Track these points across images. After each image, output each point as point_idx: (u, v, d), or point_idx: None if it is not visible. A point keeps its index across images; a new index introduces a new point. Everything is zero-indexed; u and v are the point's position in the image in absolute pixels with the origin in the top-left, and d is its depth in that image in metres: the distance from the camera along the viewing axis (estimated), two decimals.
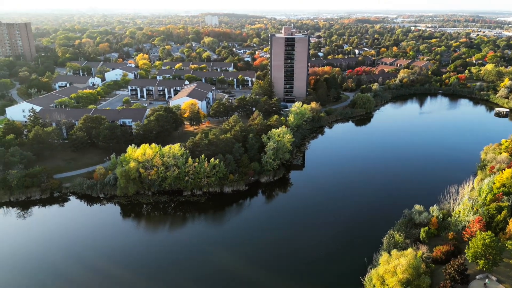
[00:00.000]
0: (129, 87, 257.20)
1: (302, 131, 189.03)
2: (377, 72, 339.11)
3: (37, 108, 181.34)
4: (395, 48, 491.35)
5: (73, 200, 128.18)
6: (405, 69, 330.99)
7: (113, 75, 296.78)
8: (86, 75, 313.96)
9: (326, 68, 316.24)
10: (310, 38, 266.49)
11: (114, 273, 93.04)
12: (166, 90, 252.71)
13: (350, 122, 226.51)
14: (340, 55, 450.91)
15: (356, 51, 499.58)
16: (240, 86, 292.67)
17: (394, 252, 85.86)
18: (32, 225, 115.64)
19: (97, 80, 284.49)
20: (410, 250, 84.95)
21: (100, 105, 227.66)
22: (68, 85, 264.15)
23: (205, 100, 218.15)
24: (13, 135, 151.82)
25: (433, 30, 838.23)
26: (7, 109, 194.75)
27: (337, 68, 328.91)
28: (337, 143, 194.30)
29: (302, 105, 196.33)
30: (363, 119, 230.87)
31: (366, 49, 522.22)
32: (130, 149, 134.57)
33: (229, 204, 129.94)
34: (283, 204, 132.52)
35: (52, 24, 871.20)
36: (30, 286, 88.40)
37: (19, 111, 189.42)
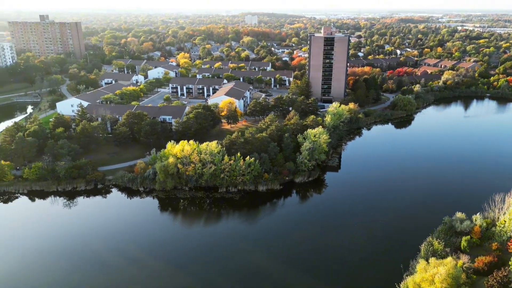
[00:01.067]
0: (170, 85, 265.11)
1: (339, 132, 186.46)
2: (419, 73, 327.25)
3: (85, 104, 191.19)
4: (439, 49, 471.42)
5: (115, 192, 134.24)
6: (450, 71, 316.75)
7: (155, 73, 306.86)
8: (130, 73, 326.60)
9: (366, 69, 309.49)
10: (350, 38, 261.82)
11: (150, 264, 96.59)
12: (205, 88, 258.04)
13: (390, 124, 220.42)
14: (381, 56, 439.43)
15: (398, 51, 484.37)
16: (278, 86, 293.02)
17: (432, 260, 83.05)
18: (76, 214, 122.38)
19: (140, 78, 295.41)
20: (449, 259, 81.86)
21: (142, 101, 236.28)
22: (113, 82, 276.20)
23: (243, 99, 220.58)
24: (62, 129, 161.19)
25: (481, 30, 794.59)
26: (57, 104, 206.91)
27: (377, 69, 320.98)
28: (375, 145, 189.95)
29: (339, 106, 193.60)
30: (403, 121, 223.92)
31: (408, 49, 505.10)
32: (169, 145, 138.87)
33: (263, 203, 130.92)
34: (317, 205, 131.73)
35: (101, 24, 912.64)
36: (72, 273, 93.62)
37: (68, 106, 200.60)
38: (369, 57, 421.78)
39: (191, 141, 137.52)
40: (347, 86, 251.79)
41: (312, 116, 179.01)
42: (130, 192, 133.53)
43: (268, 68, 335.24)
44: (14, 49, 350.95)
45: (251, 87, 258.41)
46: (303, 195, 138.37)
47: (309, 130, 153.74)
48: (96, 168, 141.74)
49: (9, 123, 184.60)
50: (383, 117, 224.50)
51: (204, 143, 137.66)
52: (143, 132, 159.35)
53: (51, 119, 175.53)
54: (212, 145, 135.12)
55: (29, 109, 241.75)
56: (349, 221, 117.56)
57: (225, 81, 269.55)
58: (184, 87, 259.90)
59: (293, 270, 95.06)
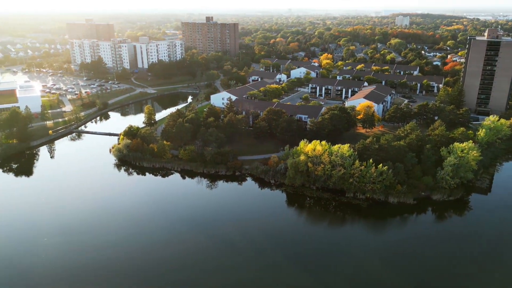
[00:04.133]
0: (310, 85, 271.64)
1: (494, 150, 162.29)
2: None
3: (233, 98, 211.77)
4: None
5: (249, 181, 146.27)
6: None
7: (298, 72, 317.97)
8: (275, 72, 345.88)
9: None
10: None
11: (271, 254, 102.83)
12: (344, 90, 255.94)
13: None
14: None
15: None
16: (424, 92, 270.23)
17: None
18: (215, 194, 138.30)
19: (283, 77, 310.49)
20: None
21: (282, 99, 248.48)
22: (259, 79, 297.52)
23: (382, 103, 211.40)
24: (212, 118, 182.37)
25: None
26: (211, 96, 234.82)
27: None
28: None
29: (498, 120, 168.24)
30: None
31: None
32: (302, 143, 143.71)
33: (392, 215, 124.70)
34: (456, 228, 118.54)
35: (255, 25, 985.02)
36: (203, 246, 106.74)
37: (220, 99, 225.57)
38: None
39: (323, 142, 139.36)
40: (510, 98, 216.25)
41: (461, 128, 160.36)
42: (262, 183, 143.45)
43: (415, 73, 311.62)
44: (183, 46, 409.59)
45: (393, 92, 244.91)
46: (440, 214, 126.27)
47: (455, 144, 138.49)
48: (236, 157, 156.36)
49: (173, 109, 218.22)
50: None
51: (336, 145, 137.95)
52: (279, 128, 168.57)
53: (205, 109, 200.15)
54: (344, 148, 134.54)
55: (189, 99, 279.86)
56: (496, 252, 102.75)
57: (365, 83, 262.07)
58: (323, 88, 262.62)
59: None
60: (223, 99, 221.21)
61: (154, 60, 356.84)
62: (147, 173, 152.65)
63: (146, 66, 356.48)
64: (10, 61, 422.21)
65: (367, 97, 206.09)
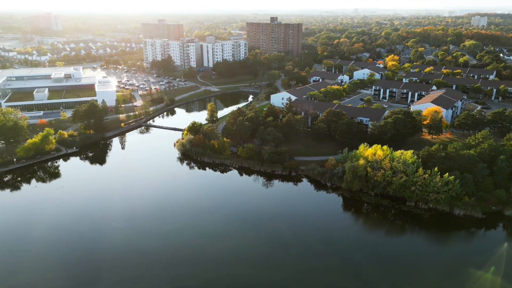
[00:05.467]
0: (373, 87, 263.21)
1: None
2: None
3: (293, 98, 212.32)
4: None
5: (305, 182, 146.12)
6: None
7: (361, 74, 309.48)
8: (337, 72, 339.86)
9: None
10: None
11: (324, 257, 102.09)
12: (409, 93, 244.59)
13: None
14: None
15: None
16: (500, 98, 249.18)
17: None
18: (271, 193, 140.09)
19: (345, 78, 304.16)
20: None
21: (343, 101, 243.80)
22: (320, 80, 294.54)
23: (452, 109, 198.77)
24: (271, 118, 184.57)
25: None
26: (271, 96, 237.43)
27: None
28: None
29: None
30: None
31: None
32: (362, 146, 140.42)
33: (457, 229, 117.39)
34: None
35: (319, 25, 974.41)
36: (251, 247, 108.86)
37: (280, 99, 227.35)
38: None
39: (385, 147, 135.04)
40: None
41: None
42: (318, 185, 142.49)
43: (491, 77, 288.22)
44: (247, 46, 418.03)
45: (465, 97, 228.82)
46: None
47: None
48: (293, 157, 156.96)
49: (234, 108, 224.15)
50: None
51: (399, 150, 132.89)
52: (339, 130, 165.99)
53: (264, 109, 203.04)
54: (407, 154, 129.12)
55: (250, 98, 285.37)
56: None
57: (434, 87, 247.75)
58: (387, 90, 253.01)
59: None
60: (282, 99, 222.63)
61: (219, 59, 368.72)
62: (207, 168, 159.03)
63: (211, 65, 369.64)
64: (91, 58, 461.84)
65: (435, 101, 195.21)
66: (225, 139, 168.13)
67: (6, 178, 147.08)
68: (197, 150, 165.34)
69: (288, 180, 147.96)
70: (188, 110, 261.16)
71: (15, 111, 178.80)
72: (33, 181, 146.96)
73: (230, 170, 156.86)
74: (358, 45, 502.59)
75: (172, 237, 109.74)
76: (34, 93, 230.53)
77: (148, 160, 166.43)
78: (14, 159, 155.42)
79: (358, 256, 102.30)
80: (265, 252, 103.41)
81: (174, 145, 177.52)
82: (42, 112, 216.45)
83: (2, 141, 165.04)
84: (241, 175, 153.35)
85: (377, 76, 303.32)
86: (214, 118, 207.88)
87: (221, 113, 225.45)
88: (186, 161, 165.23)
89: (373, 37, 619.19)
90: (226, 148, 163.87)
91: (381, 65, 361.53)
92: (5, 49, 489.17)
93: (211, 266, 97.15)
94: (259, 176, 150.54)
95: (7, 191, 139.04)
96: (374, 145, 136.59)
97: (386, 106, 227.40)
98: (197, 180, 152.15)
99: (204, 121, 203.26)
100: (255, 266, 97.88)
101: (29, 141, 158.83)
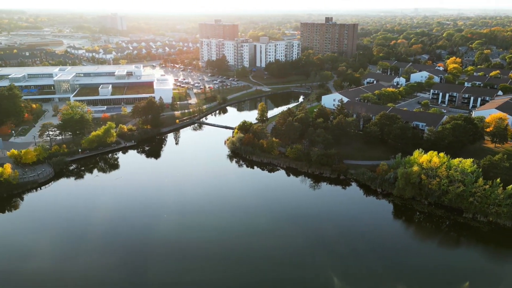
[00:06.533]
0: (431, 90, 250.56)
1: None
2: None
3: (345, 100, 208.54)
4: None
5: (354, 186, 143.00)
6: None
7: (418, 76, 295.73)
8: (393, 74, 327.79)
9: None
10: None
11: (371, 263, 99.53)
12: (472, 98, 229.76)
13: None
14: None
15: None
16: None
17: None
18: (318, 196, 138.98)
19: (402, 80, 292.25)
20: None
21: (398, 104, 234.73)
22: (374, 82, 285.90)
23: None
24: (322, 119, 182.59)
25: None
26: (323, 97, 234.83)
27: None
28: None
29: None
30: None
31: None
32: (416, 152, 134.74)
33: None
34: None
35: (376, 25, 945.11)
36: (296, 247, 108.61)
37: (331, 100, 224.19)
38: None
39: (442, 154, 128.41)
40: None
41: None
42: (367, 190, 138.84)
43: None
44: (300, 46, 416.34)
45: None
46: None
47: None
48: (342, 160, 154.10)
49: (284, 108, 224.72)
50: None
51: (457, 158, 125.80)
52: (392, 134, 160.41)
53: (315, 110, 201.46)
54: (466, 163, 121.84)
55: (301, 99, 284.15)
56: None
57: (500, 92, 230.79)
58: (447, 95, 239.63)
59: None
60: (334, 100, 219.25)
61: (271, 60, 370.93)
62: (255, 167, 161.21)
63: (263, 65, 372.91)
64: (151, 56, 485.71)
65: (500, 107, 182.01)
66: (274, 139, 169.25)
67: (72, 167, 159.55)
68: (246, 149, 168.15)
69: (336, 184, 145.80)
70: (240, 109, 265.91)
71: (82, 105, 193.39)
72: (95, 171, 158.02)
73: (278, 170, 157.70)
74: (417, 47, 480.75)
75: (219, 232, 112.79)
76: (99, 89, 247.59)
77: (200, 156, 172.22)
78: (79, 150, 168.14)
79: (407, 264, 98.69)
80: (310, 253, 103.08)
81: (225, 143, 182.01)
82: (105, 107, 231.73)
83: (69, 133, 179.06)
84: (289, 175, 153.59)
85: (436, 79, 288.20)
86: (264, 118, 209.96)
87: (271, 113, 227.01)
88: (236, 159, 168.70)
89: (433, 38, 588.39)
90: (275, 148, 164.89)
91: (441, 68, 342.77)
92: (75, 47, 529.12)
93: (257, 264, 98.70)
94: (307, 178, 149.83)
95: (72, 179, 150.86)
96: (430, 152, 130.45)
97: (445, 111, 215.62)
98: (245, 178, 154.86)
99: (254, 120, 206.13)
100: (298, 266, 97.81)
101: (93, 133, 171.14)
